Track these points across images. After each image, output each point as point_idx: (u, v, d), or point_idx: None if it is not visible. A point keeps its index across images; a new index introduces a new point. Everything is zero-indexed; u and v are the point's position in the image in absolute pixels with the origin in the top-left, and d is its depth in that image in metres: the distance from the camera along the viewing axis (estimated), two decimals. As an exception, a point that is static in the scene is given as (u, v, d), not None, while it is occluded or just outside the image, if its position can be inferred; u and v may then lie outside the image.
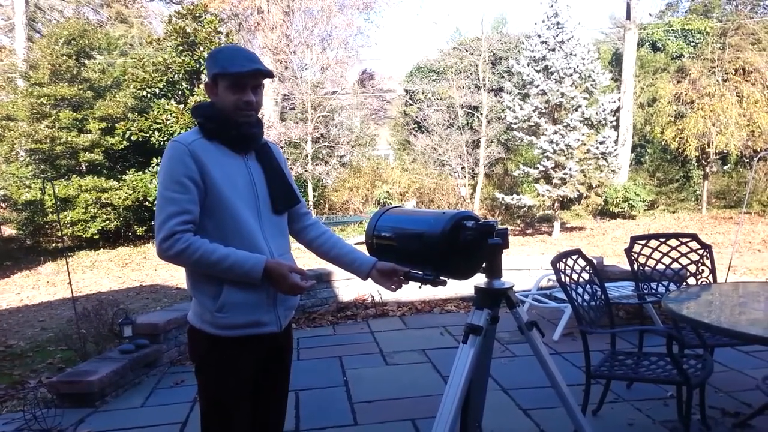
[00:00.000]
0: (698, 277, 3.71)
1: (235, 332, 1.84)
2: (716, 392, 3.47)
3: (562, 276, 2.98)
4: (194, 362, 1.95)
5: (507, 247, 2.15)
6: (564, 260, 3.08)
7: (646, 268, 3.89)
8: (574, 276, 3.09)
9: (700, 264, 3.71)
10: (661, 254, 3.85)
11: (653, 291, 3.91)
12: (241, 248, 1.82)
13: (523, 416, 3.30)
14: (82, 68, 14.22)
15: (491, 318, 2.21)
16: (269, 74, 1.91)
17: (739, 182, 17.48)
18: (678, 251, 3.82)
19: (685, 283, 3.78)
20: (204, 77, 14.32)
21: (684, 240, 3.81)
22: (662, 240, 3.87)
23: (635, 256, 3.87)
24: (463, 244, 1.99)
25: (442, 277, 2.00)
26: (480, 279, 2.20)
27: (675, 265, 3.87)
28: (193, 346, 1.94)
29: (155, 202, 1.93)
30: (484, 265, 2.18)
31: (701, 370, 2.80)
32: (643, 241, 3.87)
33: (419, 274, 2.03)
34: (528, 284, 5.73)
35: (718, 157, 16.61)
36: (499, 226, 2.11)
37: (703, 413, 3.06)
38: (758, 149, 15.11)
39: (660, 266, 3.88)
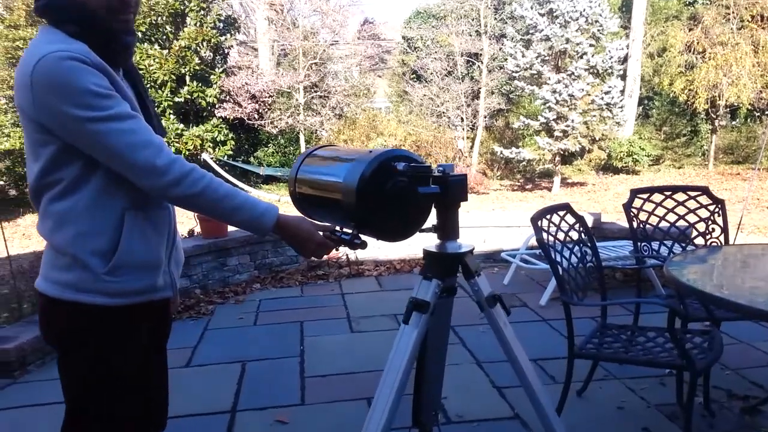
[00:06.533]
0: (707, 236, 3.19)
1: (128, 300, 1.41)
2: (722, 369, 3.02)
3: (544, 235, 2.48)
4: (60, 344, 1.46)
5: (465, 199, 1.64)
6: (548, 216, 2.56)
7: (648, 225, 3.36)
8: (560, 235, 2.57)
9: (710, 222, 3.18)
10: (666, 210, 3.31)
11: (655, 252, 3.39)
12: None
13: (498, 396, 2.85)
14: (58, 9, 13.42)
15: (445, 289, 1.72)
16: None
17: (748, 137, 16.78)
18: (685, 207, 3.28)
19: (691, 244, 3.26)
20: (190, 19, 13.59)
21: (693, 194, 3.27)
22: (667, 194, 3.32)
23: (635, 212, 3.33)
24: (391, 194, 1.48)
25: (362, 237, 1.49)
26: (431, 240, 1.70)
27: (681, 223, 3.33)
28: (61, 322, 1.43)
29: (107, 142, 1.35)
30: (436, 223, 1.68)
31: (708, 351, 2.31)
32: (645, 195, 3.32)
33: (337, 233, 1.52)
34: (517, 243, 5.24)
35: (727, 110, 15.88)
36: (457, 171, 1.59)
37: (707, 395, 2.61)
38: (771, 101, 14.39)
39: (663, 224, 3.34)
